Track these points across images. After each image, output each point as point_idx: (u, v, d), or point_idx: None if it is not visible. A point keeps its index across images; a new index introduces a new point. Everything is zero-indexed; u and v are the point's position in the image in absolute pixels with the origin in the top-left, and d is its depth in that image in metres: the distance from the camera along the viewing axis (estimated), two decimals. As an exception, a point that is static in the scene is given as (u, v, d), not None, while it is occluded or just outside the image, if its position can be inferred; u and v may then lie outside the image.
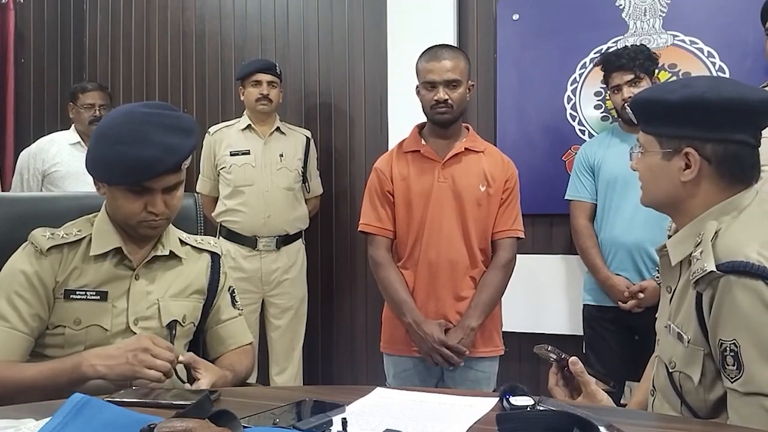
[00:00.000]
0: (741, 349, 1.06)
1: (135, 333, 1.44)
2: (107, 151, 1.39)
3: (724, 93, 1.16)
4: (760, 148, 1.22)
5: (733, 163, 1.18)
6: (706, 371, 1.14)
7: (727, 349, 1.08)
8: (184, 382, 1.40)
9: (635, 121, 1.32)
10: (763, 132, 1.21)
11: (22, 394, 1.31)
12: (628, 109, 1.33)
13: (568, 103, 2.98)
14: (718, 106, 1.16)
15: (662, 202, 1.28)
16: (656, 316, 1.35)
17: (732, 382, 1.08)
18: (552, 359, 1.32)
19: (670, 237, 1.28)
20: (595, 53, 2.91)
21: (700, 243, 1.16)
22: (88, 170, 1.45)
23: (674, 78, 2.77)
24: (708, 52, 2.75)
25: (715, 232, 1.15)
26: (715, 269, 1.09)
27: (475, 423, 1.06)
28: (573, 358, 1.26)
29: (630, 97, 2.44)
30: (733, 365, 1.07)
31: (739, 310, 1.07)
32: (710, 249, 1.12)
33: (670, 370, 1.21)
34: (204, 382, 1.35)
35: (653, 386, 1.30)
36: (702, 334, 1.14)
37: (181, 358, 1.37)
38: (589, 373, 1.27)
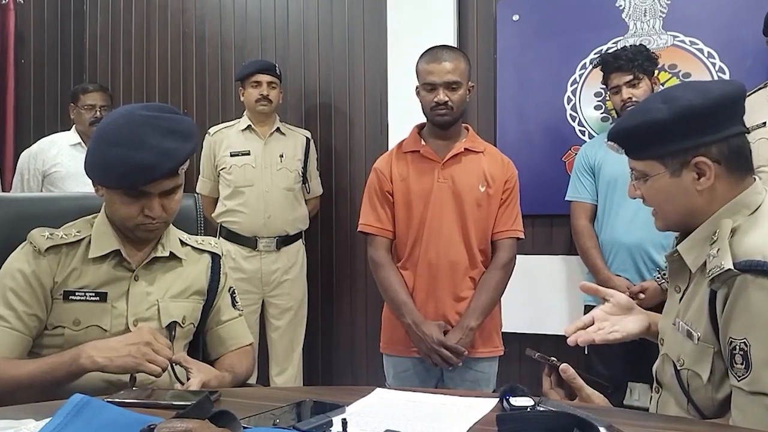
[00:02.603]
0: (751, 348, 1.06)
1: None
2: (104, 154, 1.39)
3: (709, 95, 1.16)
4: (758, 150, 1.22)
5: (739, 155, 1.19)
6: (715, 369, 1.14)
7: (737, 347, 1.08)
8: (182, 383, 1.39)
9: (624, 153, 1.28)
10: (761, 132, 1.22)
11: (21, 390, 1.31)
12: (611, 142, 1.29)
13: (568, 104, 2.98)
14: (710, 109, 1.16)
15: (682, 220, 1.24)
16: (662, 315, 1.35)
17: (738, 381, 1.08)
18: (541, 362, 1.31)
19: (677, 240, 1.27)
20: (595, 54, 2.91)
21: (715, 241, 1.15)
22: (86, 172, 1.45)
23: (674, 79, 2.77)
24: (708, 52, 2.75)
25: (732, 230, 1.14)
26: (732, 267, 1.08)
27: (475, 424, 1.06)
28: (563, 365, 1.26)
29: (630, 97, 2.44)
30: (742, 364, 1.07)
31: (753, 309, 1.07)
32: (727, 247, 1.11)
33: (678, 368, 1.21)
34: (194, 382, 1.34)
35: (658, 383, 1.30)
36: (713, 332, 1.14)
37: (173, 356, 1.36)
38: (582, 378, 1.27)
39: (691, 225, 1.23)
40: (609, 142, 1.27)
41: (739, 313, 1.08)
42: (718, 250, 1.13)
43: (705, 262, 1.17)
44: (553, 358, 1.29)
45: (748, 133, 1.21)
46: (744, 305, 1.08)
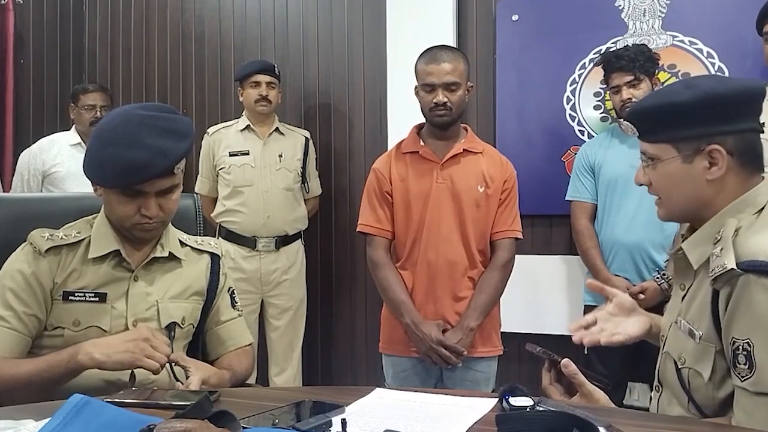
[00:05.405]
0: (754, 348, 1.06)
1: None
2: (101, 153, 1.39)
3: (731, 85, 1.17)
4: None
5: (751, 151, 1.19)
6: (716, 368, 1.14)
7: (740, 347, 1.08)
8: (182, 383, 1.39)
9: (637, 133, 1.29)
10: (763, 135, 1.21)
11: (19, 388, 1.31)
12: (627, 122, 1.31)
13: (568, 104, 2.98)
14: (731, 98, 1.16)
15: (687, 208, 1.24)
16: (664, 312, 1.35)
17: (742, 381, 1.08)
18: (543, 358, 1.31)
19: (683, 237, 1.27)
20: (594, 54, 2.91)
21: (719, 240, 1.15)
22: (84, 172, 1.45)
23: (673, 79, 2.77)
24: (707, 52, 2.75)
25: (736, 230, 1.14)
26: (735, 267, 1.08)
27: (475, 424, 1.06)
28: (565, 361, 1.26)
29: (629, 98, 2.43)
30: (745, 364, 1.07)
31: (756, 309, 1.06)
32: (731, 246, 1.11)
33: (679, 367, 1.21)
34: (194, 380, 1.34)
35: (659, 381, 1.29)
36: (715, 331, 1.13)
37: (170, 355, 1.36)
38: (584, 375, 1.27)
39: (695, 216, 1.23)
40: (626, 122, 1.28)
41: (742, 313, 1.08)
42: (722, 249, 1.12)
43: (708, 261, 1.16)
44: (554, 355, 1.29)
45: (761, 132, 1.21)
46: (747, 306, 1.07)
